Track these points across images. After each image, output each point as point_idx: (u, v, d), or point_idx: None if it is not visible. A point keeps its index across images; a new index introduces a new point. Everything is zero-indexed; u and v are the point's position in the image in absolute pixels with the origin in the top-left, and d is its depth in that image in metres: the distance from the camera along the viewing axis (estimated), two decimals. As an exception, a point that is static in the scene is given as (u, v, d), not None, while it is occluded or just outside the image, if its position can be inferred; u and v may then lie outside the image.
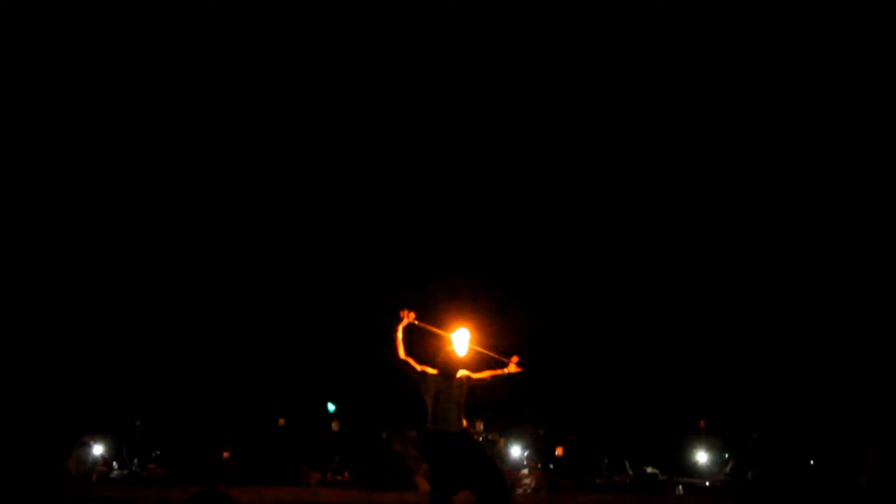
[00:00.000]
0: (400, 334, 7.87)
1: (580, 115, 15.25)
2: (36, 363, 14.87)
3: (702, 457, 14.11)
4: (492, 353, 8.19)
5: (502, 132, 15.37)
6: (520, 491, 13.33)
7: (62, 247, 15.00)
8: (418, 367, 7.77)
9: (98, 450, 13.52)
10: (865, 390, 13.85)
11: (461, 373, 7.82)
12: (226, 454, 13.56)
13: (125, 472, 13.58)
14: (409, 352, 7.85)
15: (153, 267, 15.62)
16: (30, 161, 14.59)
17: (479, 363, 8.33)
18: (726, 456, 13.97)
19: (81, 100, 14.72)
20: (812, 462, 13.29)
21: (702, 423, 14.27)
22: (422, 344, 8.69)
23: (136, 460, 13.71)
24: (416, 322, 7.90)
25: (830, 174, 14.35)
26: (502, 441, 14.39)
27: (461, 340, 8.17)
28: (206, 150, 15.15)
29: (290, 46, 14.78)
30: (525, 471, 13.81)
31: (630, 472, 13.69)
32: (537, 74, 15.10)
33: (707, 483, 13.40)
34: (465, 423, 7.76)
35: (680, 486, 13.10)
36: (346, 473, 13.33)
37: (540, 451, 14.20)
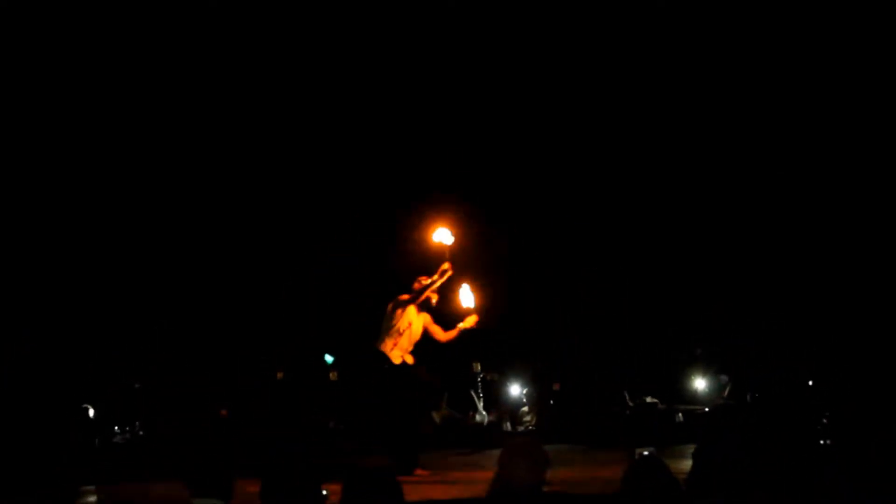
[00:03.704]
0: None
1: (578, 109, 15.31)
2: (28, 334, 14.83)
3: (700, 383, 14.18)
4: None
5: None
6: (521, 429, 13.43)
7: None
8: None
9: (94, 414, 13.53)
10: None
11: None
12: (223, 412, 13.59)
13: (127, 435, 13.59)
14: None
15: (139, 224, 15.54)
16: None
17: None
18: (723, 381, 14.05)
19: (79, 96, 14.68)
20: (811, 383, 13.34)
21: (698, 351, 14.33)
22: None
23: (137, 423, 13.72)
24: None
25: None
26: (498, 378, 14.42)
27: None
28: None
29: (288, 45, 14.69)
30: (525, 408, 13.90)
31: (630, 403, 13.76)
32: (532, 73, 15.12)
33: (706, 409, 13.46)
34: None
35: (679, 414, 13.17)
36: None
37: (539, 388, 14.26)
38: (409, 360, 8.96)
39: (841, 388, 12.43)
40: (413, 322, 9.00)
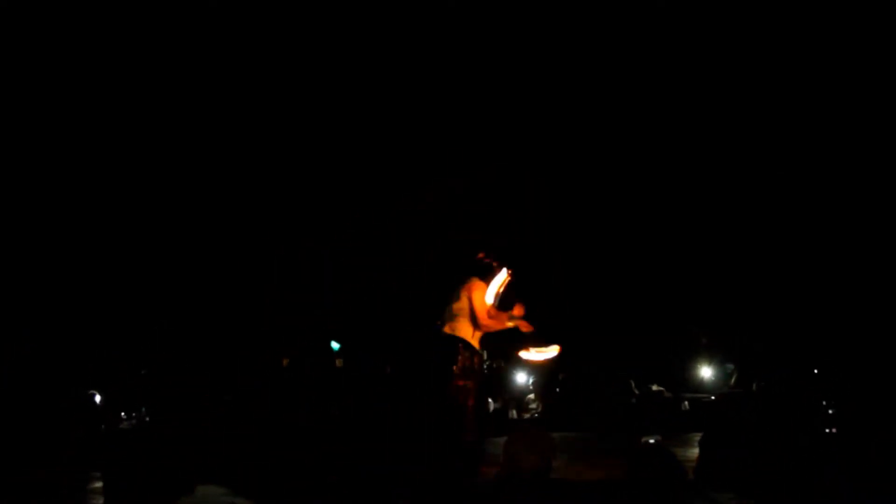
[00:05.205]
0: None
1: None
2: (37, 320, 14.84)
3: (706, 372, 14.18)
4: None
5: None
6: (527, 416, 13.44)
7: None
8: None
9: (101, 400, 13.55)
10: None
11: None
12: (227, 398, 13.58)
13: (134, 421, 13.61)
14: None
15: (140, 214, 15.53)
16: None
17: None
18: (729, 369, 14.04)
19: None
20: (816, 371, 13.32)
21: (703, 340, 14.32)
22: None
23: (143, 409, 13.74)
24: None
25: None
26: (504, 366, 14.44)
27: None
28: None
29: (289, 45, 14.63)
30: (531, 396, 13.90)
31: (636, 391, 13.77)
32: (534, 73, 15.04)
33: (713, 397, 13.45)
34: None
35: (686, 402, 13.16)
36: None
37: (545, 376, 14.25)
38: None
39: (846, 377, 12.42)
40: None
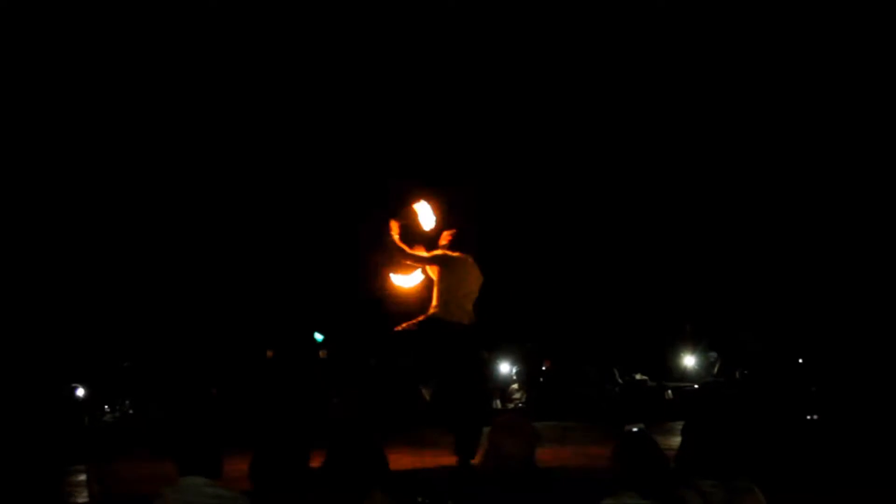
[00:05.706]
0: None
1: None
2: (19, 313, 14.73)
3: (689, 361, 14.23)
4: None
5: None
6: (511, 406, 13.45)
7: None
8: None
9: (84, 393, 13.50)
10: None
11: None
12: (213, 390, 13.58)
13: (117, 414, 13.59)
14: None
15: (126, 207, 15.45)
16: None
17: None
18: (712, 358, 14.09)
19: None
20: (801, 360, 13.40)
21: (687, 328, 14.36)
22: None
23: (126, 402, 13.72)
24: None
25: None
26: (488, 356, 14.44)
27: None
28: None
29: (291, 45, 14.57)
30: (515, 385, 13.93)
31: (619, 380, 13.81)
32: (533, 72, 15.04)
33: (696, 386, 13.51)
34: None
35: (669, 391, 13.21)
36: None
37: (529, 366, 14.28)
38: None
39: (831, 367, 12.49)
40: None
